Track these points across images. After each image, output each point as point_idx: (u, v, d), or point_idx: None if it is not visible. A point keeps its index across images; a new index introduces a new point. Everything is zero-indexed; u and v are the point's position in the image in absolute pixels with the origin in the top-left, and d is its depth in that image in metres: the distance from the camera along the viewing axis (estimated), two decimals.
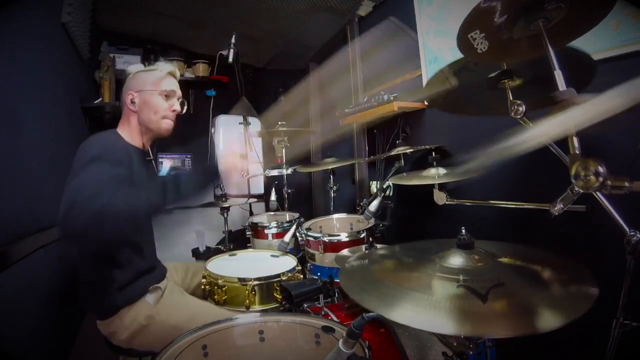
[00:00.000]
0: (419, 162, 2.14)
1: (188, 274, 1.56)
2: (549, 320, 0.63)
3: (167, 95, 1.30)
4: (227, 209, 2.30)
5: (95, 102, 2.52)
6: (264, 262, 1.59)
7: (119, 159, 1.12)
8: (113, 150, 1.14)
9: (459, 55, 1.04)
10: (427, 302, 0.69)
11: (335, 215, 2.21)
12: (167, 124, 1.32)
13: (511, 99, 1.02)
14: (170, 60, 3.36)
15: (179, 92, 1.35)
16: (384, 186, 2.42)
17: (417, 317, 0.66)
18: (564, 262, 0.84)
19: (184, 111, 1.37)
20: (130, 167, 1.17)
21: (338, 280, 1.49)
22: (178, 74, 1.37)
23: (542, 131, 0.60)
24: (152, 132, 1.31)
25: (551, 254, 0.88)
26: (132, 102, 1.27)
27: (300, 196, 3.22)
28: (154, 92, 1.28)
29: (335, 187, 2.38)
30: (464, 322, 0.64)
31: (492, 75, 1.07)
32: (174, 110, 1.32)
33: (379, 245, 1.45)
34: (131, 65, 1.37)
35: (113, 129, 1.30)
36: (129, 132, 1.29)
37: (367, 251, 1.34)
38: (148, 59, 3.32)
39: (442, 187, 1.40)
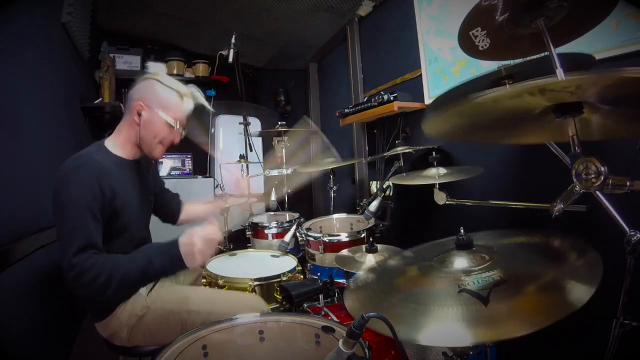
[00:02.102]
0: (419, 162, 2.14)
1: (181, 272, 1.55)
2: (556, 309, 0.61)
3: (174, 126, 1.23)
4: (227, 209, 2.29)
5: (95, 102, 2.52)
6: (264, 262, 1.59)
7: (94, 192, 1.07)
8: (89, 184, 1.07)
9: (459, 55, 1.05)
10: (433, 315, 0.68)
11: (335, 215, 2.21)
12: (159, 152, 1.26)
13: None
14: (168, 60, 3.38)
15: (185, 122, 1.27)
16: (384, 186, 2.41)
17: (427, 333, 0.66)
18: (560, 236, 0.84)
19: (182, 137, 1.31)
20: (108, 189, 1.11)
21: (338, 281, 1.49)
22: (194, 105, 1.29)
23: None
24: (143, 151, 1.26)
25: (546, 232, 0.88)
26: (139, 114, 1.19)
27: (300, 196, 3.22)
28: (163, 116, 1.20)
29: (335, 187, 2.38)
30: (471, 330, 0.63)
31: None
32: (172, 141, 1.27)
33: (379, 246, 1.44)
34: (156, 65, 1.25)
35: (102, 140, 1.24)
36: (121, 142, 1.23)
37: (368, 262, 1.33)
38: (148, 59, 3.32)
39: (442, 186, 1.40)
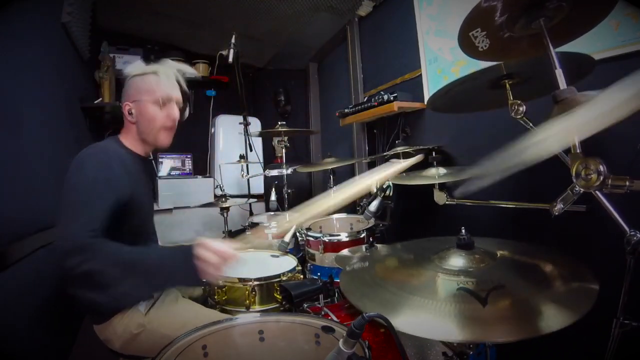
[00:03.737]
0: (419, 162, 2.13)
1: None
2: (551, 321, 0.62)
3: (164, 103, 1.21)
4: (227, 209, 2.30)
5: (95, 102, 2.52)
6: (264, 262, 1.59)
7: (110, 176, 1.05)
8: (105, 168, 1.06)
9: (459, 55, 1.05)
10: (428, 308, 0.69)
11: (335, 215, 2.21)
12: (165, 138, 1.24)
13: (511, 99, 1.02)
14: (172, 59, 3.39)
15: (177, 96, 1.24)
16: (384, 186, 2.41)
17: (419, 324, 0.67)
18: (563, 257, 0.84)
19: (186, 117, 1.29)
20: (126, 177, 1.12)
21: (338, 281, 1.49)
22: (180, 74, 1.27)
23: (550, 137, 0.59)
24: (150, 144, 1.26)
25: (549, 250, 0.89)
26: (130, 112, 1.21)
27: (300, 196, 3.21)
28: (148, 101, 1.20)
29: (335, 187, 2.38)
30: (465, 328, 0.64)
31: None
32: (172, 119, 1.23)
33: (379, 245, 1.44)
34: (130, 64, 1.27)
35: (116, 135, 1.26)
36: (131, 140, 1.25)
37: (367, 252, 1.33)
38: (148, 59, 3.32)
39: (442, 186, 1.40)
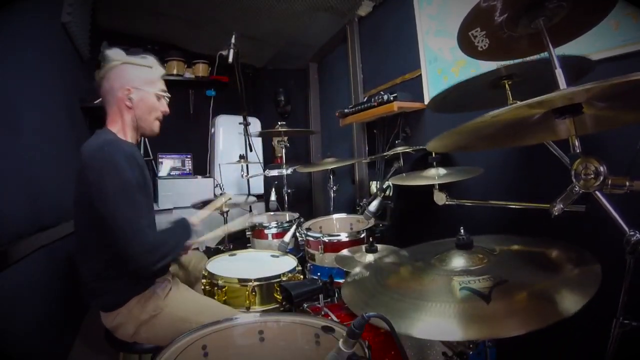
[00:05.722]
0: (419, 162, 2.14)
1: (189, 265, 1.59)
2: (559, 307, 0.63)
3: (159, 97, 1.30)
4: (227, 208, 2.29)
5: (95, 102, 2.51)
6: (264, 262, 1.59)
7: (136, 174, 1.14)
8: (130, 167, 1.13)
9: (459, 55, 1.04)
10: (432, 310, 0.69)
11: (335, 215, 2.21)
12: (157, 127, 1.32)
13: (511, 99, 1.02)
14: (168, 60, 3.39)
15: (167, 93, 1.34)
16: (384, 186, 2.41)
17: (424, 327, 0.66)
18: (560, 245, 0.85)
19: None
20: (142, 169, 1.20)
21: (338, 281, 1.49)
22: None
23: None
24: (143, 131, 1.31)
25: (547, 240, 0.89)
26: (129, 98, 1.22)
27: (300, 196, 3.22)
28: (150, 92, 1.26)
29: (335, 187, 2.38)
30: (470, 327, 0.64)
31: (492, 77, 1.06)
32: (164, 112, 1.32)
33: (379, 246, 1.44)
34: (111, 50, 1.26)
35: (106, 129, 1.24)
36: (121, 129, 1.25)
37: (367, 261, 1.33)
38: None
39: (442, 187, 1.40)
